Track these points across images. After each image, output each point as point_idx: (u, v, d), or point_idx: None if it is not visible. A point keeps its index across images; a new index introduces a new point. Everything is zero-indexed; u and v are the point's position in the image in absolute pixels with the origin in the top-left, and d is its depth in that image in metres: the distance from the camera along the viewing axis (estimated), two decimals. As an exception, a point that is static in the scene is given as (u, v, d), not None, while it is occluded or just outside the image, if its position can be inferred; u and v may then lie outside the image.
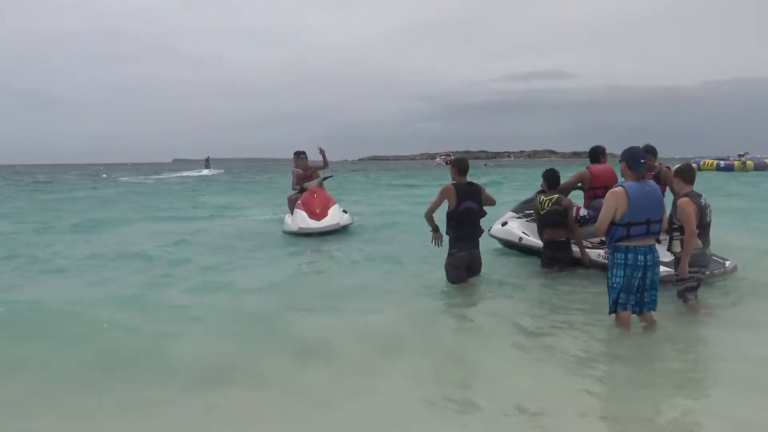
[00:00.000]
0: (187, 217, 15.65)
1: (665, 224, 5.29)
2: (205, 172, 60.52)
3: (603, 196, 5.48)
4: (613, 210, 4.83)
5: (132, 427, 3.61)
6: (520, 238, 8.08)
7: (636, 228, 4.83)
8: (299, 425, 3.59)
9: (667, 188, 6.53)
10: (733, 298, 6.15)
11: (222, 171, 63.85)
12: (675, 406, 3.80)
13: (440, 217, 6.49)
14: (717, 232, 5.92)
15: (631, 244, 4.88)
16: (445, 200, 6.44)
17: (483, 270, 6.74)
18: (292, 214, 11.33)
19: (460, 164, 6.59)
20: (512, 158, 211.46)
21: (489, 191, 6.85)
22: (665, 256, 5.75)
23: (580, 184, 7.40)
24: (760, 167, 40.79)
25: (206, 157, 70.35)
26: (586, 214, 7.22)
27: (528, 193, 8.90)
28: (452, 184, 6.48)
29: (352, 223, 11.74)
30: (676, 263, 5.58)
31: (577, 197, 7.56)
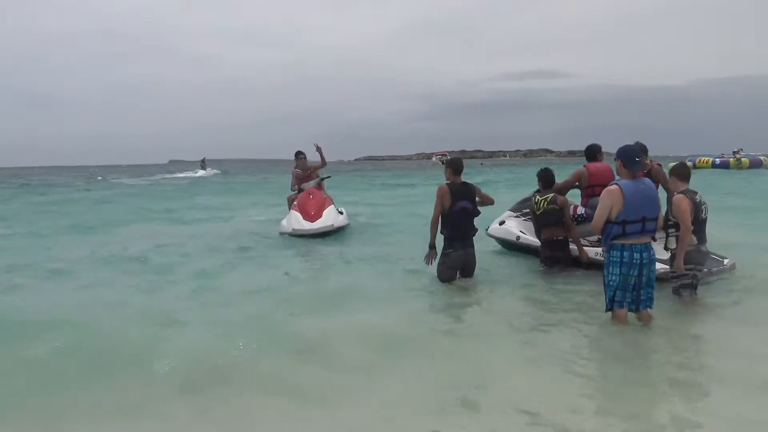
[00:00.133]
0: (181, 219, 15.59)
1: (661, 222, 5.30)
2: (201, 173, 60.42)
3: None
4: (608, 208, 4.86)
5: (130, 429, 3.58)
6: (518, 237, 8.11)
7: (631, 226, 4.86)
8: (298, 425, 3.58)
9: (659, 185, 6.55)
10: (732, 295, 6.15)
11: (218, 172, 63.75)
12: (671, 404, 3.81)
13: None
14: (716, 230, 5.93)
15: (627, 242, 4.91)
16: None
17: (481, 269, 6.76)
18: None
19: (455, 164, 6.66)
20: (508, 157, 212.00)
21: (485, 190, 6.95)
22: (662, 253, 5.76)
23: (577, 183, 7.41)
24: (755, 164, 40.93)
25: (202, 158, 70.28)
26: (583, 212, 7.24)
27: (522, 191, 8.90)
28: (447, 184, 6.56)
29: (348, 224, 11.70)
30: (672, 260, 5.61)
31: (574, 196, 7.56)
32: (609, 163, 6.85)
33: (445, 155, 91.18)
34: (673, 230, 5.53)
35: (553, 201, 7.02)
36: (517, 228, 8.23)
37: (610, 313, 5.16)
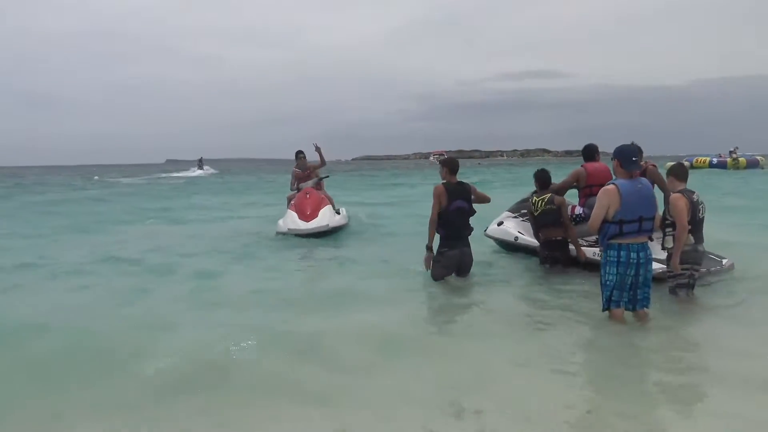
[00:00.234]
0: (179, 219, 15.57)
1: (658, 222, 5.32)
2: (199, 172, 60.27)
3: (598, 194, 5.49)
4: (605, 208, 4.87)
5: (129, 430, 3.56)
6: (516, 238, 8.13)
7: (628, 225, 4.87)
8: (297, 425, 3.58)
9: (654, 186, 6.57)
10: (730, 295, 6.17)
11: (216, 171, 63.64)
12: (670, 404, 3.82)
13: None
14: (715, 231, 5.94)
15: (624, 241, 4.92)
16: None
17: (479, 269, 6.77)
18: None
19: (450, 164, 6.72)
20: (505, 157, 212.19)
21: (482, 189, 6.98)
22: (659, 253, 5.77)
23: (575, 183, 7.42)
24: (752, 164, 40.98)
25: (199, 157, 70.07)
26: (581, 212, 7.25)
27: (519, 190, 8.91)
28: (443, 184, 6.63)
29: (346, 224, 11.69)
30: (669, 259, 5.63)
31: (571, 196, 7.56)
32: (606, 163, 6.86)
33: (442, 155, 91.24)
34: (670, 229, 5.57)
35: (550, 201, 7.03)
36: (515, 229, 8.25)
37: (607, 312, 5.18)
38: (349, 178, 40.25)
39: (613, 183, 4.96)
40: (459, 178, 6.75)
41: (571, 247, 7.08)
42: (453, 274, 6.82)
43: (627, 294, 5.06)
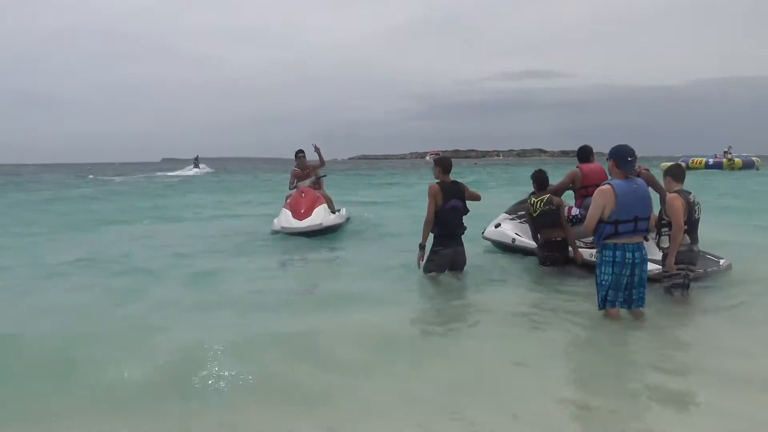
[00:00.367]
0: (174, 217, 15.50)
1: (653, 222, 5.32)
2: (195, 171, 60.06)
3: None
4: (600, 208, 4.89)
5: (125, 431, 3.55)
6: (514, 240, 8.14)
7: (624, 225, 4.90)
8: (295, 425, 3.56)
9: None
10: (725, 295, 6.18)
11: (212, 170, 63.46)
12: (669, 403, 3.82)
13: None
14: (712, 231, 5.93)
15: (620, 241, 4.95)
16: None
17: (477, 269, 6.79)
18: None
19: (444, 163, 6.79)
20: (501, 157, 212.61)
21: (477, 189, 7.03)
22: (655, 254, 5.76)
23: (571, 184, 7.42)
24: (747, 165, 41.14)
25: (195, 156, 69.82)
26: (578, 213, 7.22)
27: (514, 190, 8.90)
28: (437, 183, 6.67)
29: (342, 223, 11.66)
30: (664, 259, 5.65)
31: (567, 197, 7.55)
32: (602, 164, 6.86)
33: (439, 155, 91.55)
34: (666, 229, 5.59)
35: (549, 202, 7.03)
36: (513, 230, 8.25)
37: (603, 312, 5.20)
38: (345, 177, 40.22)
39: (608, 183, 4.98)
40: (452, 177, 6.76)
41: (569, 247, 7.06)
42: (447, 271, 6.85)
43: (623, 294, 5.09)
